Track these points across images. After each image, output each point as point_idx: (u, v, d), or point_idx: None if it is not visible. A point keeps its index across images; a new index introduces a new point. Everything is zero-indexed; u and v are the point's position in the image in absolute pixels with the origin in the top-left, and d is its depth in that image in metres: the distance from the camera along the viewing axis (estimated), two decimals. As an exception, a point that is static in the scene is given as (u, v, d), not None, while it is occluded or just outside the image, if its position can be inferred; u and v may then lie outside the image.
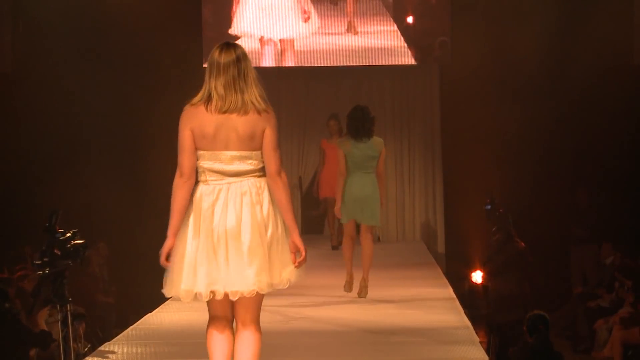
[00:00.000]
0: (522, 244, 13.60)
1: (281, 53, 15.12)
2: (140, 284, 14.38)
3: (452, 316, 8.24)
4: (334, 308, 8.52)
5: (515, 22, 15.07)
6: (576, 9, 15.15)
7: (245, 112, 4.71)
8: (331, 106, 14.78)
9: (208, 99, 4.75)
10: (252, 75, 4.74)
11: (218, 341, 4.83)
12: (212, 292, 4.76)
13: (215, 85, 4.74)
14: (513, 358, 10.36)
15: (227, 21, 15.45)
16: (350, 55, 15.48)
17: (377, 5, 15.49)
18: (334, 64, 15.51)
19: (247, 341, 4.80)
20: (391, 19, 15.47)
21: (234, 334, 4.87)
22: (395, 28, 15.46)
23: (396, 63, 15.58)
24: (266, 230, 4.74)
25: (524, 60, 15.03)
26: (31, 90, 15.21)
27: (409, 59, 15.53)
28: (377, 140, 9.30)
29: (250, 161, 4.77)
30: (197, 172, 4.90)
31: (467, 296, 14.64)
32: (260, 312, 4.84)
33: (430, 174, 16.17)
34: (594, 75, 14.86)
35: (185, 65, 15.42)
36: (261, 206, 4.76)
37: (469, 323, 7.84)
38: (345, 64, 15.53)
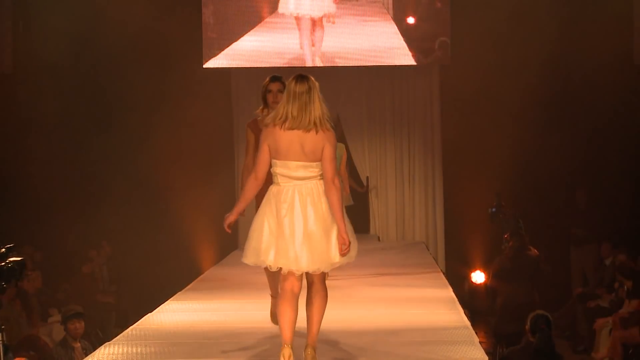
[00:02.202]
0: (536, 252, 13.45)
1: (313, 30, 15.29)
2: (140, 284, 14.40)
3: (452, 316, 8.23)
4: (333, 308, 8.51)
5: (515, 22, 15.07)
6: (576, 9, 15.15)
7: (310, 130, 5.93)
8: (331, 107, 14.65)
9: (285, 119, 5.92)
10: (319, 100, 6.00)
11: (287, 307, 6.01)
12: (280, 267, 5.97)
13: (291, 108, 5.93)
14: (515, 357, 10.35)
15: (228, 21, 15.46)
16: (350, 55, 15.48)
17: (377, 5, 15.49)
18: (334, 64, 15.51)
19: (317, 299, 6.10)
20: (391, 19, 15.47)
21: (297, 304, 6.05)
22: (395, 29, 15.46)
23: (396, 63, 15.59)
24: (325, 222, 5.93)
25: (523, 60, 15.04)
26: (31, 90, 15.21)
27: (409, 60, 15.53)
28: (337, 145, 9.81)
29: (311, 169, 5.97)
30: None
31: (467, 296, 14.64)
32: (323, 277, 6.09)
33: (430, 174, 16.17)
34: (594, 75, 14.87)
35: (186, 66, 15.43)
36: (321, 203, 5.96)
37: (469, 323, 7.83)
38: (345, 64, 15.53)
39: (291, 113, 5.93)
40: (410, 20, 15.51)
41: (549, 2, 15.19)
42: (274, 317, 7.45)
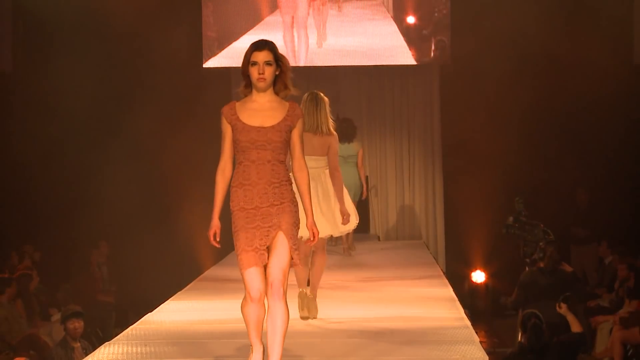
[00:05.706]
0: (569, 267, 13.15)
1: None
2: (140, 284, 14.40)
3: (452, 316, 8.23)
4: (334, 308, 8.52)
5: (514, 22, 15.07)
6: (576, 9, 15.16)
7: (318, 133, 7.80)
8: (331, 107, 14.73)
9: None
10: (325, 110, 7.89)
11: (302, 267, 7.77)
12: (301, 237, 7.14)
13: (305, 116, 7.63)
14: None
15: (228, 21, 15.47)
16: (350, 55, 15.49)
17: (377, 5, 15.50)
18: (334, 64, 15.52)
19: (318, 260, 8.01)
20: (391, 19, 15.47)
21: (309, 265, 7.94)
22: (395, 28, 15.47)
23: (396, 63, 15.59)
24: (330, 200, 7.85)
25: (523, 60, 15.04)
26: (31, 90, 15.21)
27: (409, 59, 15.54)
28: (354, 143, 11.71)
29: (320, 161, 7.86)
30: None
31: (467, 296, 14.64)
32: (325, 244, 8.07)
33: (430, 174, 16.18)
34: (594, 75, 14.87)
35: (186, 65, 15.43)
36: (327, 186, 7.85)
37: (469, 323, 7.83)
38: (345, 64, 15.54)
39: (305, 119, 7.58)
40: (410, 19, 15.52)
41: (549, 1, 15.19)
42: None
